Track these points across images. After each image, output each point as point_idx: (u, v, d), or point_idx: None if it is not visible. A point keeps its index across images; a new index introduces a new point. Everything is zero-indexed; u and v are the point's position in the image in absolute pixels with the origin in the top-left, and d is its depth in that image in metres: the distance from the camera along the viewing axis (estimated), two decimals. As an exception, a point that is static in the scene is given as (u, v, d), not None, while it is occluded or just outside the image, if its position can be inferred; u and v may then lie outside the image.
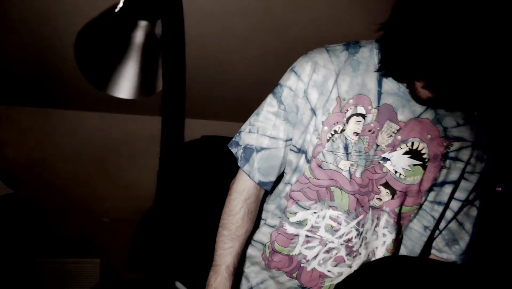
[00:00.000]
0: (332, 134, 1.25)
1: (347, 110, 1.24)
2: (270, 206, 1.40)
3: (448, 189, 1.30)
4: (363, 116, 1.23)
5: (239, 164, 1.34)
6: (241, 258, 1.41)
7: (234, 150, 1.36)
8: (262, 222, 1.43)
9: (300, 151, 1.30)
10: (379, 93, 1.23)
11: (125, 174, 2.99)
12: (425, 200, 1.30)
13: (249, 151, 1.32)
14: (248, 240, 1.43)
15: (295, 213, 1.32)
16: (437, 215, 1.32)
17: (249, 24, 2.30)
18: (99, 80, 0.68)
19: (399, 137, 1.24)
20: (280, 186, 1.38)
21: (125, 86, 0.67)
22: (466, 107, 1.26)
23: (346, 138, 1.24)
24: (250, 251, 1.44)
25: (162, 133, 0.44)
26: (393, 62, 1.17)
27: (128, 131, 2.94)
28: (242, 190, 1.35)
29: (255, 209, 1.39)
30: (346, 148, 1.24)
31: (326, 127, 1.25)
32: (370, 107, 1.23)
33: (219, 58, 2.52)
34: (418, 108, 1.22)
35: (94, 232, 3.01)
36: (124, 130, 2.94)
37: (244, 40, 2.40)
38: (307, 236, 1.32)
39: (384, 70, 1.21)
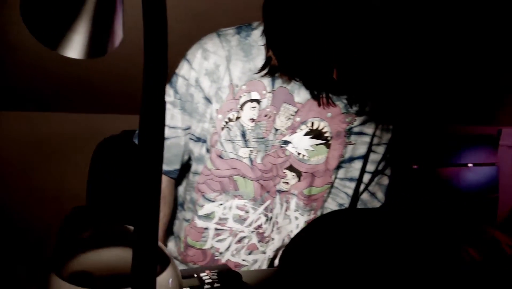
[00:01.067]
0: (227, 122, 1.24)
1: (241, 96, 1.24)
2: (187, 197, 1.40)
3: (357, 164, 1.33)
4: (258, 101, 1.23)
5: None
6: None
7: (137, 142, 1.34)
8: (179, 214, 1.43)
9: (200, 140, 1.30)
10: (273, 77, 1.22)
11: (45, 174, 2.87)
12: (336, 178, 1.32)
13: None
14: (169, 232, 1.42)
15: (202, 206, 1.32)
16: (350, 192, 1.35)
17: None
18: (48, 39, 0.63)
19: (298, 119, 1.25)
20: (190, 176, 1.37)
21: (76, 45, 0.62)
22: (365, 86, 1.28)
23: (242, 125, 1.24)
24: (169, 244, 1.43)
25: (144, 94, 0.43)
26: (275, 49, 1.15)
27: (47, 130, 2.81)
28: None
29: (168, 194, 1.37)
30: (243, 135, 1.24)
31: (220, 116, 1.25)
32: (264, 92, 1.23)
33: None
34: None
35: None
36: (44, 129, 2.81)
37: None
38: (216, 229, 1.33)
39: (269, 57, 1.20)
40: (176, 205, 1.43)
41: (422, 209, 2.19)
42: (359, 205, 1.43)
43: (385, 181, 1.44)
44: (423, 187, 2.56)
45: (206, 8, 1.99)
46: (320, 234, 1.05)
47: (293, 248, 1.09)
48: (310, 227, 1.22)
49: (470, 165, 2.77)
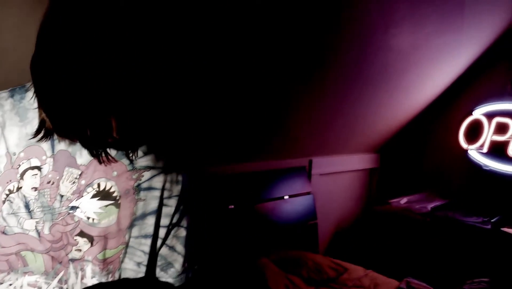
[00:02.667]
0: (7, 195, 1.16)
1: (20, 165, 1.17)
2: None
3: (150, 220, 1.30)
4: (39, 168, 1.17)
5: None
6: None
7: None
8: None
9: None
10: (52, 140, 1.18)
11: None
12: (130, 237, 1.28)
13: None
14: None
15: None
16: (147, 249, 1.31)
17: None
18: None
19: (83, 182, 1.20)
20: None
21: None
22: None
23: (24, 196, 1.17)
24: None
25: None
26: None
27: None
28: None
29: None
30: (27, 206, 1.17)
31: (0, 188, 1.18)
32: (44, 157, 1.18)
33: None
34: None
35: None
36: None
37: None
38: None
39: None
40: None
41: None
42: (159, 260, 1.40)
43: (183, 232, 1.42)
44: (240, 225, 2.63)
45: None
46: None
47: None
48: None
49: (286, 197, 2.90)
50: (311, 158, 3.13)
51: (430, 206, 3.14)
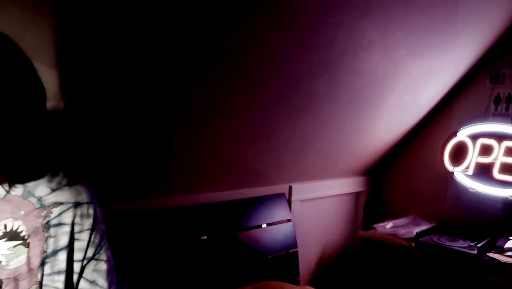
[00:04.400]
0: None
1: None
2: None
3: (62, 256, 1.28)
4: None
5: None
6: None
7: None
8: None
9: None
10: None
11: None
12: (43, 275, 1.26)
13: None
14: None
15: None
16: (61, 285, 1.29)
17: None
18: None
19: None
20: None
21: None
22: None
23: None
24: None
25: None
26: None
27: None
28: None
29: None
30: None
31: None
32: None
33: None
34: (1, 190, 1.19)
35: None
36: None
37: None
38: None
39: None
40: None
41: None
42: (81, 296, 1.38)
43: (103, 266, 1.40)
44: (214, 256, 2.58)
45: None
46: None
47: None
48: None
49: (264, 225, 2.86)
50: (291, 184, 3.09)
51: (415, 230, 3.08)
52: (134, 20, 1.65)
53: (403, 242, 3.03)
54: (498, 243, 2.84)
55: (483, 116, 3.18)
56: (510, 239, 2.80)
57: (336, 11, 2.08)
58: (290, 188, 3.08)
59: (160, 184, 2.39)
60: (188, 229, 2.50)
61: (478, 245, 2.82)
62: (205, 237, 2.57)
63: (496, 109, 3.18)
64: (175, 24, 1.72)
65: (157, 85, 1.92)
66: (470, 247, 2.86)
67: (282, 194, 3.02)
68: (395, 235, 3.09)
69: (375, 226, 3.24)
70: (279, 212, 2.96)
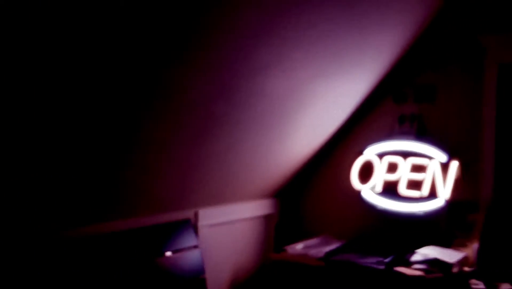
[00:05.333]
0: None
1: None
2: None
3: None
4: None
5: None
6: None
7: None
8: None
9: None
10: None
11: None
12: None
13: None
14: None
15: None
16: None
17: None
18: None
19: None
20: None
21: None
22: None
23: None
24: None
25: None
26: None
27: None
28: None
29: None
30: None
31: None
32: None
33: None
34: None
35: None
36: None
37: None
38: None
39: None
40: None
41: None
42: None
43: None
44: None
45: None
46: None
47: None
48: None
49: (168, 253, 2.77)
50: (197, 210, 3.02)
51: (325, 249, 3.08)
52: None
53: (314, 261, 3.03)
54: (406, 257, 2.88)
55: (389, 134, 3.25)
56: (416, 253, 2.85)
57: (231, 35, 2.06)
58: (196, 213, 3.01)
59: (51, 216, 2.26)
60: (81, 264, 2.36)
61: (385, 260, 2.85)
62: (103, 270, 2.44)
63: (401, 127, 3.26)
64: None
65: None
66: (378, 262, 2.89)
67: (188, 220, 2.94)
68: (305, 256, 3.09)
69: (286, 247, 3.22)
70: (184, 239, 2.87)
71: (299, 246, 3.23)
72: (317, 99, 2.87)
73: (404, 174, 3.12)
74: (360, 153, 3.27)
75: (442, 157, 3.00)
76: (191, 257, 2.90)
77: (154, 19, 1.75)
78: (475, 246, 2.85)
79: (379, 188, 3.19)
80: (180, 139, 2.44)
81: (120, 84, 1.91)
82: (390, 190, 3.15)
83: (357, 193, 3.26)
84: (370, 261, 2.94)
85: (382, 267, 2.83)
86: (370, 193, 3.22)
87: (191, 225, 2.97)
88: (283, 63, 2.42)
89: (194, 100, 2.28)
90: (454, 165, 2.97)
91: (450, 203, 2.96)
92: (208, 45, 2.04)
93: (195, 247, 2.95)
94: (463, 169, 2.98)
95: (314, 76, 2.65)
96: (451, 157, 2.98)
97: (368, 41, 2.66)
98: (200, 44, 2.01)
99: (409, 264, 2.82)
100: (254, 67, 2.32)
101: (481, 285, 2.60)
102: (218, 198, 3.11)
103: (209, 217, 3.09)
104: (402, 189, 3.11)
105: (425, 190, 3.01)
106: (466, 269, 2.79)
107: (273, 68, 2.40)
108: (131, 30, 1.73)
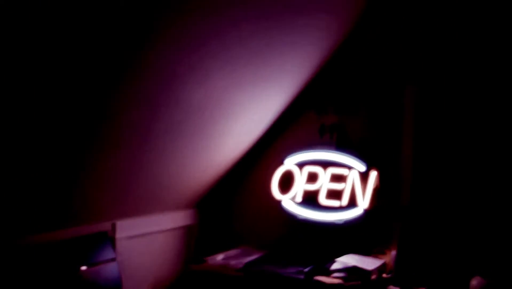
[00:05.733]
0: None
1: None
2: None
3: None
4: None
5: None
6: None
7: None
8: None
9: None
10: None
11: None
12: None
13: None
14: None
15: None
16: None
17: None
18: None
19: None
20: None
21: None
22: None
23: None
24: None
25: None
26: None
27: None
28: None
29: None
30: None
31: None
32: None
33: None
34: None
35: None
36: None
37: None
38: None
39: None
40: None
41: None
42: None
43: None
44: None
45: None
46: None
47: None
48: None
49: (84, 268, 2.67)
50: (114, 221, 2.94)
51: (245, 260, 3.09)
52: None
53: (234, 272, 3.02)
54: (326, 266, 2.93)
55: (310, 145, 3.31)
56: (336, 261, 2.90)
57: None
58: (113, 225, 2.93)
59: None
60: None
61: (305, 270, 2.89)
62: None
63: (321, 138, 3.32)
64: None
65: None
66: (298, 272, 2.92)
67: (105, 232, 2.86)
68: (225, 266, 3.08)
69: (207, 258, 3.20)
70: (100, 252, 2.78)
71: (219, 257, 3.21)
72: (236, 109, 2.88)
73: (324, 184, 3.17)
74: (281, 163, 3.30)
75: (361, 166, 3.08)
76: (108, 271, 2.81)
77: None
78: (393, 253, 2.95)
79: (300, 198, 3.22)
80: (96, 148, 2.37)
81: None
82: (310, 199, 3.20)
83: (278, 203, 3.28)
84: (290, 271, 2.96)
85: (301, 276, 2.87)
86: (291, 203, 3.25)
87: (108, 238, 2.88)
88: (196, 72, 2.41)
89: (109, 110, 2.22)
90: (373, 175, 3.05)
91: (369, 212, 3.03)
92: (121, 59, 2.01)
93: (113, 260, 2.86)
94: (381, 178, 3.06)
95: (231, 86, 2.65)
96: (370, 166, 3.07)
97: (285, 52, 2.71)
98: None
99: (328, 273, 2.87)
100: (170, 76, 2.30)
101: (399, 291, 2.69)
102: (136, 209, 3.04)
103: (128, 229, 3.01)
104: (322, 199, 3.16)
105: (344, 200, 3.08)
106: (385, 275, 2.88)
107: (186, 78, 2.39)
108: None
